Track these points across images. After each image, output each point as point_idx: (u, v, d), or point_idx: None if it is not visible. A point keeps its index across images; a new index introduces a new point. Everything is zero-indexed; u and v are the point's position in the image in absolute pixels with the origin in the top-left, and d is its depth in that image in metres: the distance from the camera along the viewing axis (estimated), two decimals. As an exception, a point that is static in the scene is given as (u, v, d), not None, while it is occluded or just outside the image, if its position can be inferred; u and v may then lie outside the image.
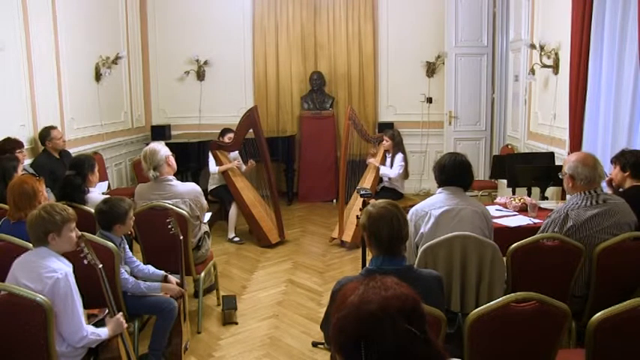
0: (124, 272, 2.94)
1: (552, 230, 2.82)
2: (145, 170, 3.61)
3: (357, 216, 3.25)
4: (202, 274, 3.71)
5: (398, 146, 5.56)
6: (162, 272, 3.21)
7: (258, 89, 7.41)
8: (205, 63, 7.32)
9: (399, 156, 5.51)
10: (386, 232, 2.06)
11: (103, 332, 2.41)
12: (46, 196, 3.10)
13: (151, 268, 3.21)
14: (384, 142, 5.62)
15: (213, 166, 5.52)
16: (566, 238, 2.72)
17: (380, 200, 2.24)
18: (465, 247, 2.66)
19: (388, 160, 5.63)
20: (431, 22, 7.11)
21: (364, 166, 5.80)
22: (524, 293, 2.00)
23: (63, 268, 2.29)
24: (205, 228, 3.85)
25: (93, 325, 2.45)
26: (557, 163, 4.78)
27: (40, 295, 2.16)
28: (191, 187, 3.73)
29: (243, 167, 5.71)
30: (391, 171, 5.54)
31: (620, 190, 3.24)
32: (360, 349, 1.04)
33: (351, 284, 1.14)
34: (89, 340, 2.33)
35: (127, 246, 3.16)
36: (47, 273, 2.24)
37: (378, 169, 5.56)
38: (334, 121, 7.25)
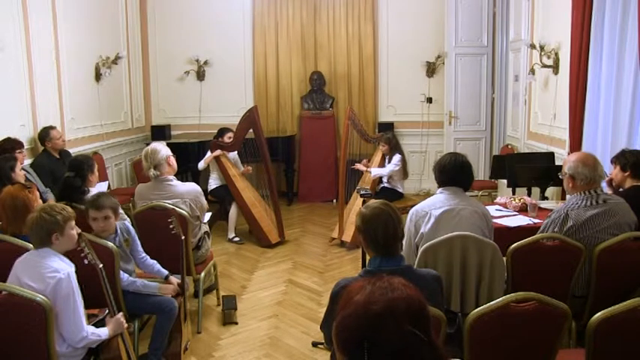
0: (121, 271, 2.93)
1: (552, 230, 2.82)
2: (146, 169, 3.61)
3: (357, 216, 3.26)
4: (202, 274, 3.71)
5: (395, 149, 5.57)
6: (166, 271, 3.19)
7: (258, 89, 7.41)
8: (205, 63, 7.32)
9: (397, 156, 5.53)
10: (381, 232, 2.06)
11: (104, 332, 2.42)
12: (40, 203, 3.05)
13: (156, 265, 3.19)
14: (381, 147, 5.63)
15: (200, 163, 5.59)
16: (566, 238, 2.72)
17: (372, 201, 2.24)
18: (465, 247, 2.66)
19: (387, 163, 5.63)
20: (431, 22, 7.11)
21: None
22: (524, 293, 2.00)
23: (65, 268, 2.30)
24: (205, 228, 3.85)
25: (93, 325, 2.45)
26: (557, 163, 4.78)
27: (40, 295, 2.16)
28: (191, 187, 3.73)
29: (241, 168, 5.72)
30: (384, 169, 5.56)
31: (620, 190, 3.25)
32: (363, 348, 1.04)
33: (358, 283, 1.13)
34: (89, 340, 2.33)
35: (136, 239, 3.15)
36: (50, 273, 2.25)
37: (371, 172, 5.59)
38: (334, 121, 7.25)
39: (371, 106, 7.40)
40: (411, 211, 2.92)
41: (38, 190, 3.22)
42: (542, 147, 5.44)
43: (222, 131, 5.69)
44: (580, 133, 4.50)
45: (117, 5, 6.68)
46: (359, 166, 5.74)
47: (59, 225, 2.33)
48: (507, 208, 3.81)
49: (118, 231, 3.06)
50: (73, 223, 2.42)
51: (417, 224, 2.84)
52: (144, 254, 3.20)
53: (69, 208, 2.44)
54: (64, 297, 2.24)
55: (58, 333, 2.26)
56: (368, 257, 2.17)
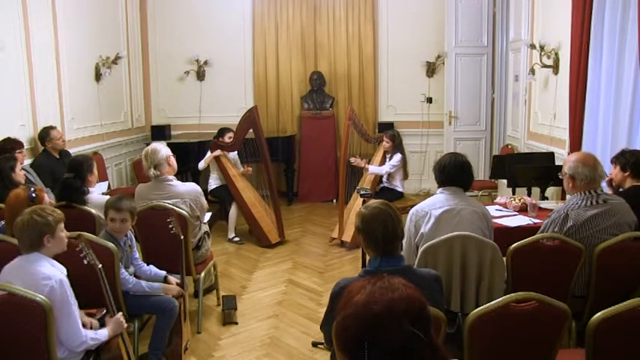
0: (124, 272, 2.95)
1: (552, 230, 2.82)
2: (146, 169, 3.61)
3: (357, 216, 3.26)
4: (202, 274, 3.71)
5: (397, 147, 5.56)
6: (164, 272, 3.23)
7: (258, 89, 7.41)
8: (205, 63, 7.32)
9: (397, 156, 5.52)
10: (380, 232, 2.06)
11: (103, 334, 2.40)
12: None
13: (153, 269, 3.23)
14: (384, 143, 5.63)
15: (200, 163, 5.61)
16: (566, 238, 2.72)
17: (371, 201, 2.24)
18: (465, 247, 2.66)
19: (388, 161, 5.63)
20: (431, 22, 7.10)
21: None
22: (524, 293, 2.00)
23: (56, 274, 2.25)
24: (205, 228, 3.85)
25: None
26: (557, 163, 4.78)
27: (40, 295, 2.15)
28: (191, 187, 3.73)
29: (241, 168, 5.73)
30: (381, 168, 5.55)
31: (620, 190, 3.25)
32: (363, 348, 1.04)
33: (358, 282, 1.13)
34: (88, 345, 2.32)
35: (135, 246, 3.18)
36: (42, 280, 2.20)
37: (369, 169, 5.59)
38: (334, 121, 7.24)
39: (371, 106, 7.39)
40: (411, 211, 2.92)
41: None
42: (542, 147, 5.44)
43: (223, 131, 5.69)
44: (580, 133, 4.50)
45: (117, 5, 6.67)
46: (355, 160, 5.69)
47: (51, 226, 2.29)
48: (507, 208, 3.81)
49: (129, 234, 3.11)
50: (63, 225, 2.38)
51: (417, 224, 2.84)
52: (140, 261, 3.24)
53: (58, 210, 2.41)
54: (59, 304, 2.20)
55: (56, 339, 2.23)
56: (368, 257, 2.17)
